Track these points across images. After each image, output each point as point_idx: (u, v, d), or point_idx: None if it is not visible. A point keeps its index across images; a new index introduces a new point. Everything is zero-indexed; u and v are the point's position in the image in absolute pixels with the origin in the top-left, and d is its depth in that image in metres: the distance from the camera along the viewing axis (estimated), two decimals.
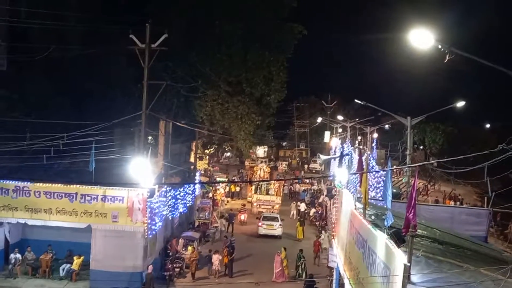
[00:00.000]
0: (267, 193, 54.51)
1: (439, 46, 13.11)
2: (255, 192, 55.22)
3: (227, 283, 31.38)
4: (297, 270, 33.11)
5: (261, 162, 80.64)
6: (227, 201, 56.96)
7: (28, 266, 30.37)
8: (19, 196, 28.82)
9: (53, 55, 36.50)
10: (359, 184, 22.91)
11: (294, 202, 54.72)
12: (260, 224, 44.76)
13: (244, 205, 54.24)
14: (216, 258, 33.08)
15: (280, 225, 44.79)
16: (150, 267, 29.20)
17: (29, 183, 28.70)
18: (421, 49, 13.92)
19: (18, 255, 30.04)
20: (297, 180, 68.54)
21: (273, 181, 55.54)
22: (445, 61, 13.34)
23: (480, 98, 74.70)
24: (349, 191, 24.90)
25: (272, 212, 50.36)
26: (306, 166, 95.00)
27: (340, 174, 31.97)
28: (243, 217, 48.78)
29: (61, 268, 30.33)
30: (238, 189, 63.54)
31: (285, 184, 65.58)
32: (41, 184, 28.76)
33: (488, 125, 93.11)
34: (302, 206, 53.05)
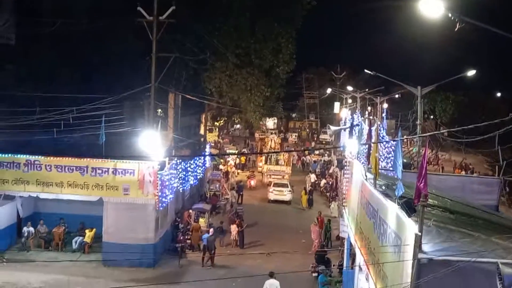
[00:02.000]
0: (277, 164, 55.78)
1: (449, 15, 12.97)
2: (266, 163, 56.51)
3: (238, 254, 31.58)
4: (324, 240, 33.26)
5: (272, 133, 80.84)
6: (238, 173, 57.13)
7: (41, 239, 30.68)
8: (30, 170, 28.97)
9: (61, 30, 36.40)
10: (366, 154, 22.83)
11: (308, 176, 54.67)
12: (271, 190, 46.93)
13: (252, 171, 56.69)
14: (234, 229, 33.31)
15: (290, 191, 46.88)
16: (211, 230, 31.15)
17: (40, 156, 28.83)
18: (431, 18, 13.77)
19: (31, 228, 30.33)
20: (307, 151, 68.66)
21: (282, 152, 56.10)
22: (455, 29, 13.21)
23: (490, 67, 74.17)
24: (360, 162, 24.86)
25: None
26: (315, 137, 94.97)
27: (351, 145, 31.91)
28: (252, 182, 52.48)
29: (73, 240, 30.62)
30: (247, 161, 63.81)
31: (296, 155, 66.13)
32: (52, 157, 28.87)
33: (499, 94, 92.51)
34: (312, 177, 53.27)
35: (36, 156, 28.80)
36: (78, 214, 31.47)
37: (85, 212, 31.24)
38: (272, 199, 46.74)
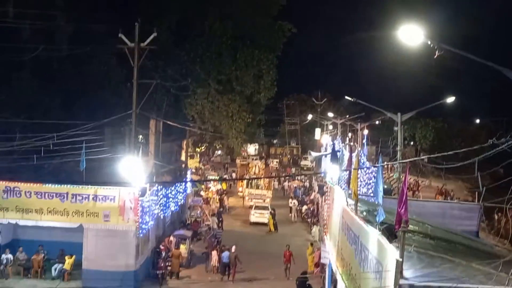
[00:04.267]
0: (257, 188, 57.04)
1: (429, 42, 13.15)
2: (247, 187, 57.65)
3: (220, 281, 31.43)
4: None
5: (254, 159, 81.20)
6: (218, 199, 57.10)
7: (20, 267, 30.29)
8: (9, 197, 28.68)
9: (42, 55, 36.36)
10: (347, 180, 22.92)
11: (291, 201, 55.00)
12: (252, 213, 48.56)
13: (226, 192, 58.22)
14: (214, 255, 33.24)
15: (270, 213, 47.89)
16: (234, 247, 32.33)
17: (19, 183, 28.58)
18: (411, 45, 13.95)
19: (10, 256, 29.97)
20: (288, 178, 68.79)
21: (264, 178, 56.63)
22: (435, 57, 13.37)
23: (470, 94, 74.78)
24: (341, 188, 24.94)
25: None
26: (298, 161, 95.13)
27: (332, 171, 32.01)
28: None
29: (53, 268, 30.28)
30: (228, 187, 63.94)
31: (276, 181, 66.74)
32: (31, 184, 28.65)
33: (478, 121, 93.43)
34: (294, 203, 53.44)
35: (16, 183, 28.55)
36: (58, 241, 31.14)
37: (65, 239, 30.93)
38: (253, 221, 48.20)
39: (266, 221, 47.38)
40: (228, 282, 31.31)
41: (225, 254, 32.43)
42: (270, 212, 47.67)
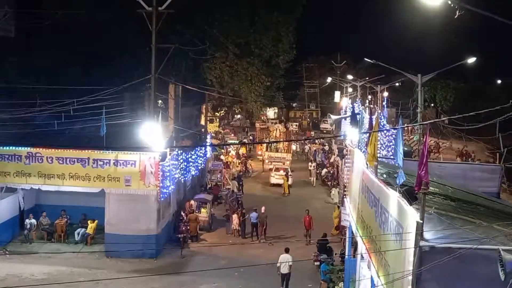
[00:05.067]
0: (277, 151, 57.48)
1: (449, 2, 12.94)
2: (266, 150, 58.02)
3: (240, 244, 31.67)
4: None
5: (274, 123, 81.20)
6: (238, 163, 57.28)
7: (43, 231, 30.75)
8: (32, 162, 28.96)
9: (61, 21, 36.36)
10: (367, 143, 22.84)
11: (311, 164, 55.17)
12: (272, 174, 49.76)
13: (243, 155, 58.24)
14: (235, 218, 33.50)
15: (290, 175, 48.74)
16: (263, 208, 33.61)
17: (41, 149, 28.82)
18: (431, 6, 13.74)
19: (33, 221, 30.39)
20: (308, 141, 68.74)
21: (283, 142, 56.76)
22: (455, 17, 13.16)
23: (491, 54, 73.77)
24: (361, 150, 24.86)
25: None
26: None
27: (351, 134, 31.89)
28: (243, 167, 54.74)
29: (76, 232, 30.68)
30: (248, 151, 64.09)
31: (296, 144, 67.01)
32: (53, 149, 28.87)
33: (499, 81, 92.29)
34: (313, 166, 53.49)
35: (38, 148, 28.78)
36: (80, 206, 31.54)
37: (87, 203, 31.30)
38: (273, 182, 48.83)
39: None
40: (250, 244, 31.51)
41: (253, 214, 33.44)
42: (285, 174, 47.86)
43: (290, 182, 48.10)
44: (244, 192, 42.94)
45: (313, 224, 32.60)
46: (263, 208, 33.82)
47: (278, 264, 25.08)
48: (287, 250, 25.72)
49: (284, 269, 25.06)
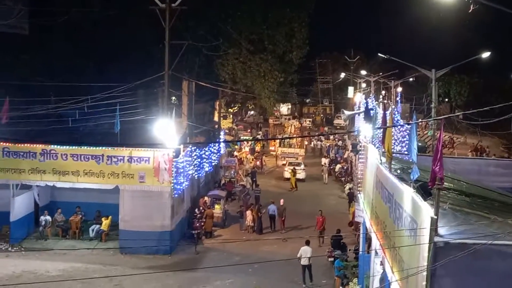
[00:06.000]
0: (290, 147, 58.21)
1: None
2: (279, 146, 58.36)
3: (255, 240, 31.69)
4: None
5: (288, 119, 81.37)
6: (252, 159, 57.32)
7: (58, 228, 30.89)
8: (46, 159, 29.06)
9: (74, 18, 36.51)
10: (381, 139, 22.74)
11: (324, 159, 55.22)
12: (286, 169, 49.56)
13: (258, 152, 58.24)
14: (249, 214, 33.55)
15: (303, 169, 49.78)
16: (282, 200, 34.21)
17: (56, 146, 28.92)
18: (445, 0, 13.68)
19: (48, 217, 30.55)
20: (322, 137, 68.74)
21: (296, 138, 57.05)
22: (469, 11, 13.11)
23: (505, 49, 73.25)
24: (375, 146, 24.80)
25: None
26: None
27: (365, 129, 31.81)
28: (257, 162, 54.45)
29: (90, 229, 30.82)
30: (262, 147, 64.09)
31: (311, 140, 67.21)
32: (67, 146, 28.97)
33: None
34: (326, 161, 53.44)
35: (52, 146, 28.89)
36: (95, 203, 31.74)
37: (101, 200, 31.51)
38: (286, 177, 48.68)
39: (300, 176, 48.52)
40: (263, 240, 31.54)
41: (272, 207, 34.11)
42: (292, 169, 47.92)
43: (302, 176, 48.81)
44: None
45: (325, 225, 32.18)
46: (281, 201, 34.26)
47: (298, 255, 25.29)
48: (307, 243, 25.97)
49: (305, 261, 25.34)
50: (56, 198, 33.07)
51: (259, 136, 71.44)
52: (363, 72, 74.24)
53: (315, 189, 46.78)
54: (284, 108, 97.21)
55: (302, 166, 50.58)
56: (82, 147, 28.99)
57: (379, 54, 50.57)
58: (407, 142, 27.01)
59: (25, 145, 29.02)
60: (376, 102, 59.20)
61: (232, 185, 43.07)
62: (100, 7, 38.92)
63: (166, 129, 29.01)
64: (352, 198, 37.29)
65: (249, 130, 73.85)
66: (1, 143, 28.94)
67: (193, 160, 33.51)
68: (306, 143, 65.83)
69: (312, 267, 25.67)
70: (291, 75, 57.05)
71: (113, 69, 37.14)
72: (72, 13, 36.13)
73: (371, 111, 33.70)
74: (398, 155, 26.82)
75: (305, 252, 25.46)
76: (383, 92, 77.83)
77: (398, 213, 15.02)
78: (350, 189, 40.31)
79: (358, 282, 24.24)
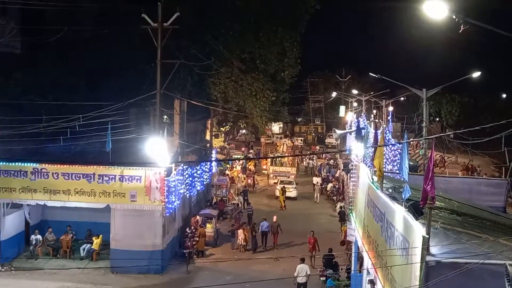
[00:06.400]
0: (282, 165, 58.42)
1: (453, 16, 12.98)
2: (271, 164, 58.87)
3: (246, 259, 31.59)
4: None
5: (280, 138, 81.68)
6: (244, 178, 57.26)
7: (49, 247, 30.74)
8: (37, 178, 28.95)
9: (67, 37, 36.53)
10: (372, 158, 22.82)
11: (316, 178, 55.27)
12: (277, 187, 49.42)
13: (250, 170, 58.00)
14: (240, 233, 33.47)
15: (295, 188, 50.17)
16: (275, 217, 35.04)
17: (47, 164, 28.83)
18: (436, 20, 13.79)
19: (39, 236, 30.42)
20: (313, 156, 68.84)
21: (288, 156, 57.30)
22: (460, 31, 13.20)
23: (496, 68, 73.80)
24: (366, 165, 24.86)
25: None
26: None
27: (357, 148, 31.89)
28: (249, 180, 54.41)
29: (81, 248, 30.68)
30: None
31: (303, 159, 67.46)
32: (58, 165, 28.88)
33: (504, 95, 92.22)
34: (318, 180, 53.51)
35: (43, 164, 28.80)
36: (86, 222, 31.66)
37: (93, 219, 31.43)
38: (278, 195, 48.32)
39: (292, 195, 49.02)
40: (255, 259, 31.48)
41: (264, 223, 34.49)
42: (281, 188, 47.87)
43: (294, 195, 49.26)
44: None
45: (318, 246, 31.70)
46: (274, 217, 34.64)
47: (295, 274, 25.42)
48: (303, 260, 26.19)
49: (302, 279, 25.48)
50: (47, 217, 32.95)
51: (250, 155, 71.42)
52: (355, 91, 74.54)
53: (306, 208, 46.82)
54: (276, 127, 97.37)
55: (294, 185, 50.83)
56: (74, 166, 28.91)
57: (370, 74, 50.79)
58: (399, 161, 27.12)
59: (16, 164, 28.92)
60: (368, 121, 59.43)
61: (223, 203, 42.99)
62: (93, 26, 38.97)
63: (158, 148, 28.95)
64: (343, 217, 37.29)
65: (243, 149, 73.86)
66: None
67: (185, 179, 33.45)
68: (298, 162, 65.98)
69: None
70: (283, 94, 57.11)
71: (105, 87, 37.09)
72: (65, 32, 36.14)
73: (363, 130, 33.82)
74: (389, 174, 26.88)
75: (302, 269, 25.59)
76: (375, 111, 78.10)
77: (390, 232, 15.05)
78: (341, 207, 40.35)
79: None
